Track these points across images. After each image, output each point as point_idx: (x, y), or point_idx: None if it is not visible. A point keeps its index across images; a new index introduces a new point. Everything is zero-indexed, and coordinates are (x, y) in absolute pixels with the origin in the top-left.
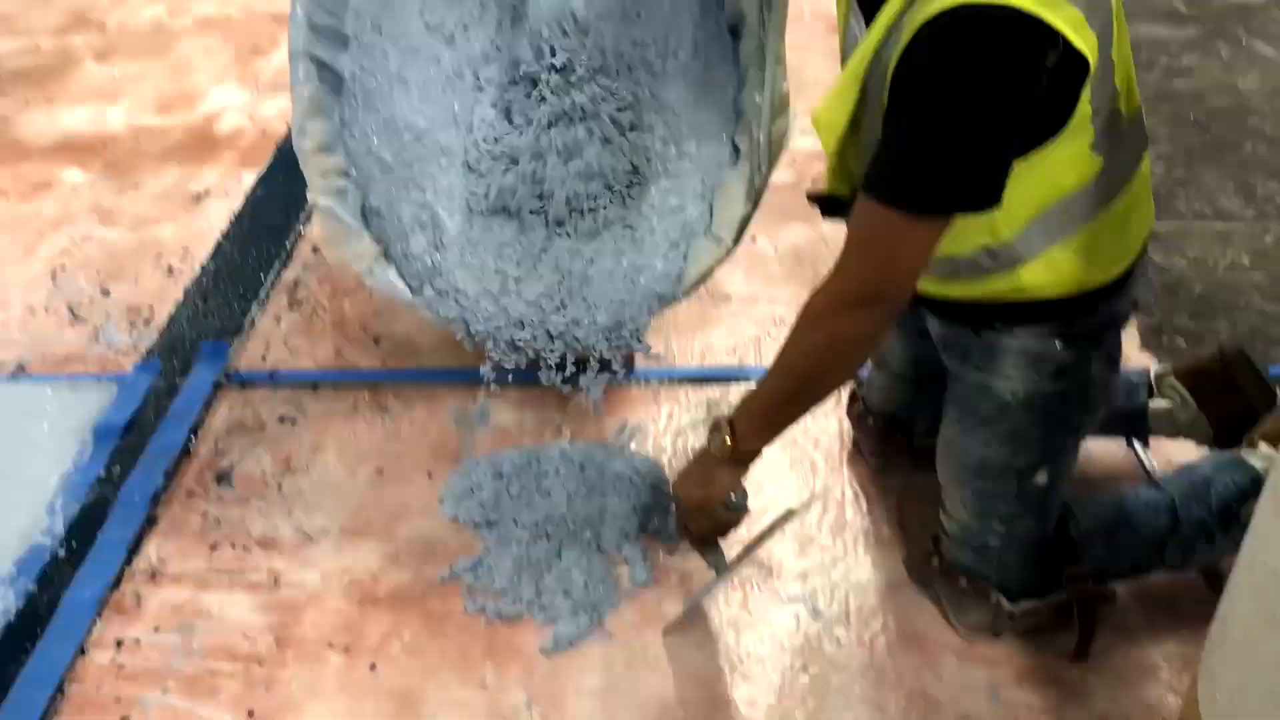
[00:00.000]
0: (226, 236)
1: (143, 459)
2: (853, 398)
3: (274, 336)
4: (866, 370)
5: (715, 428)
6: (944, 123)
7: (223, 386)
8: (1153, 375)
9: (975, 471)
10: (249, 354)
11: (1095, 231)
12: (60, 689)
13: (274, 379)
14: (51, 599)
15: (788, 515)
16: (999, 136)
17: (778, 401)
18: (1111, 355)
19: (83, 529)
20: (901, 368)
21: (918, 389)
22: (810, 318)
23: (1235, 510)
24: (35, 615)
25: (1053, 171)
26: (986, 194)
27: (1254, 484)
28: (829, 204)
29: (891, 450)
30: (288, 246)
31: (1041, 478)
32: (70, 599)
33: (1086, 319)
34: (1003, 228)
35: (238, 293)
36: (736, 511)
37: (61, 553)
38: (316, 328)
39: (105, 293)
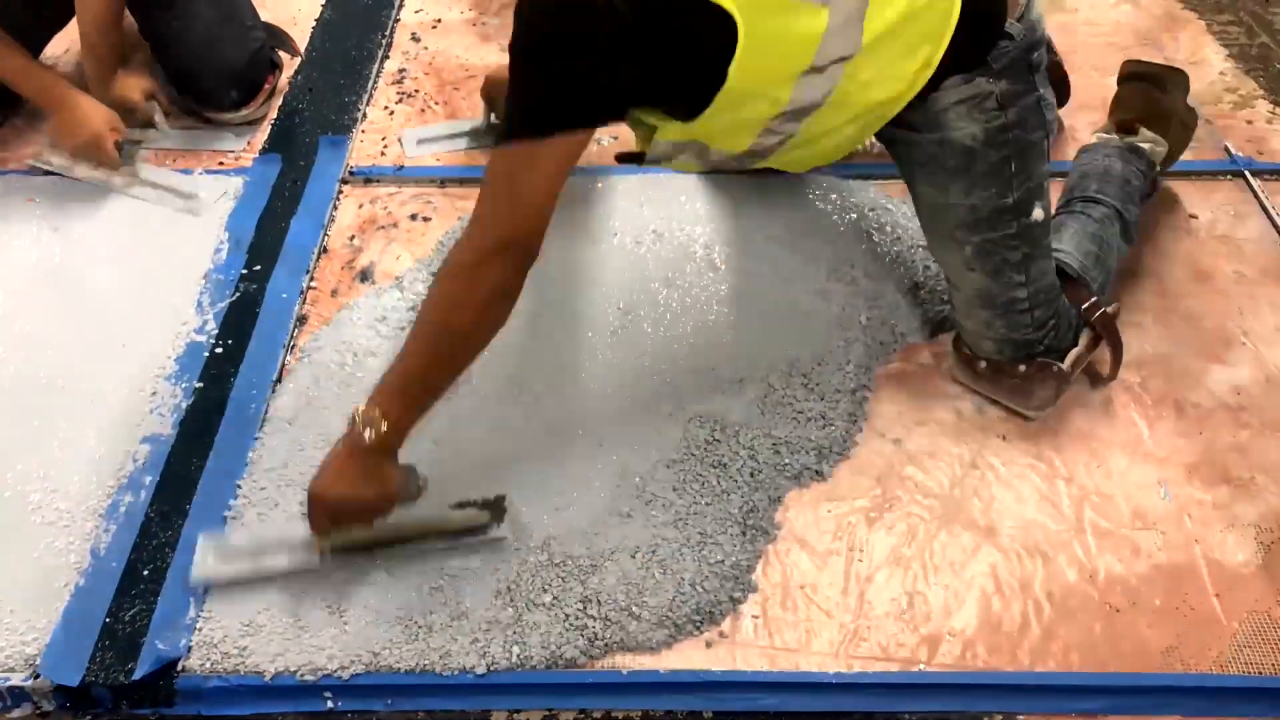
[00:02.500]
0: (321, 23)
1: (283, 256)
2: None
3: (389, 130)
4: None
5: (356, 419)
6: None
7: (348, 182)
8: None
9: (971, 225)
10: (365, 148)
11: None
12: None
13: (400, 174)
14: (220, 396)
15: (483, 528)
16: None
17: (426, 369)
18: (1031, 64)
19: (235, 327)
20: None
21: None
22: (449, 272)
23: (1143, 192)
24: (206, 412)
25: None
26: (573, 112)
27: (1150, 166)
28: (636, 160)
29: None
30: (386, 34)
31: (1038, 213)
32: (237, 395)
33: (991, 51)
34: (779, 92)
35: (343, 84)
36: (417, 495)
37: (219, 350)
38: (431, 121)
39: None
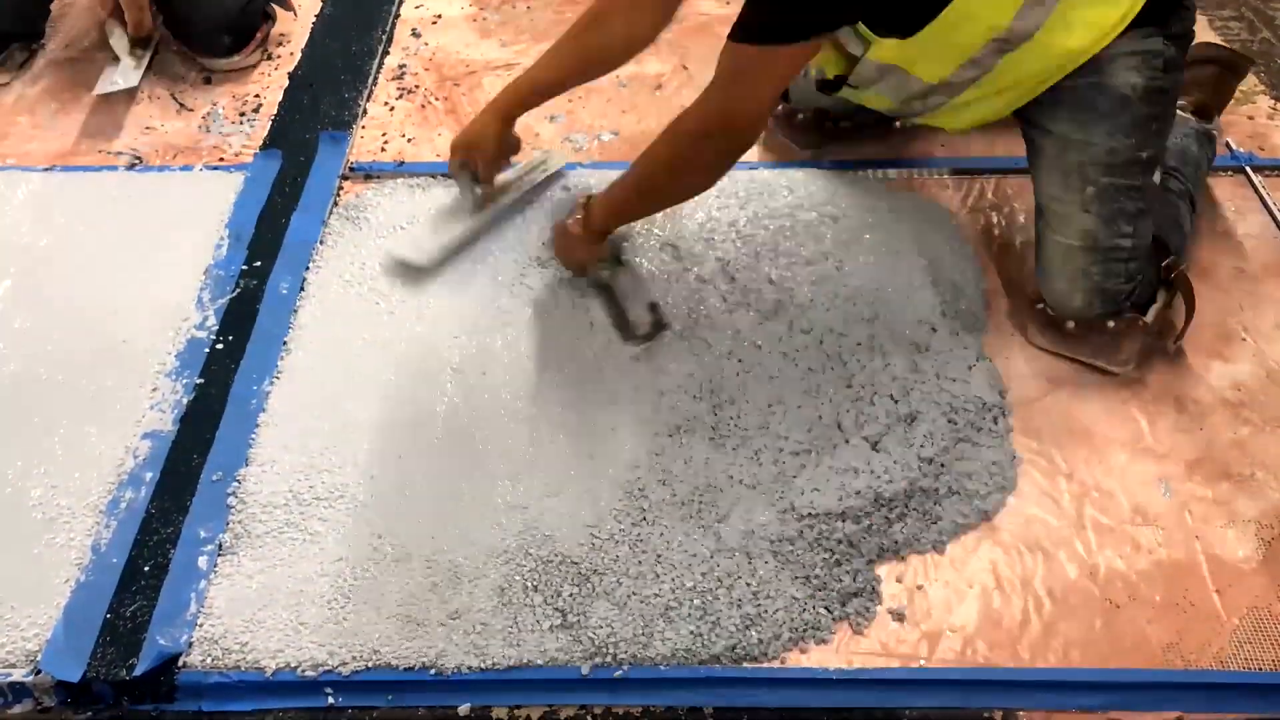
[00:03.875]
0: (321, 19)
1: (283, 252)
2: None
3: (389, 126)
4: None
5: (578, 206)
6: None
7: (348, 178)
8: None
9: (1104, 167)
10: (366, 144)
11: None
12: (238, 481)
13: (402, 169)
14: (220, 392)
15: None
16: None
17: (631, 198)
18: (1188, 45)
19: (235, 323)
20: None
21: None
22: (673, 136)
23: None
24: (207, 408)
25: None
26: (809, 23)
27: (1213, 154)
28: (835, 88)
29: (823, 138)
30: (387, 29)
31: (1156, 176)
32: (238, 391)
33: (1170, 16)
34: (1000, 17)
35: (344, 79)
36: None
37: (220, 346)
38: (431, 117)
39: (207, 80)
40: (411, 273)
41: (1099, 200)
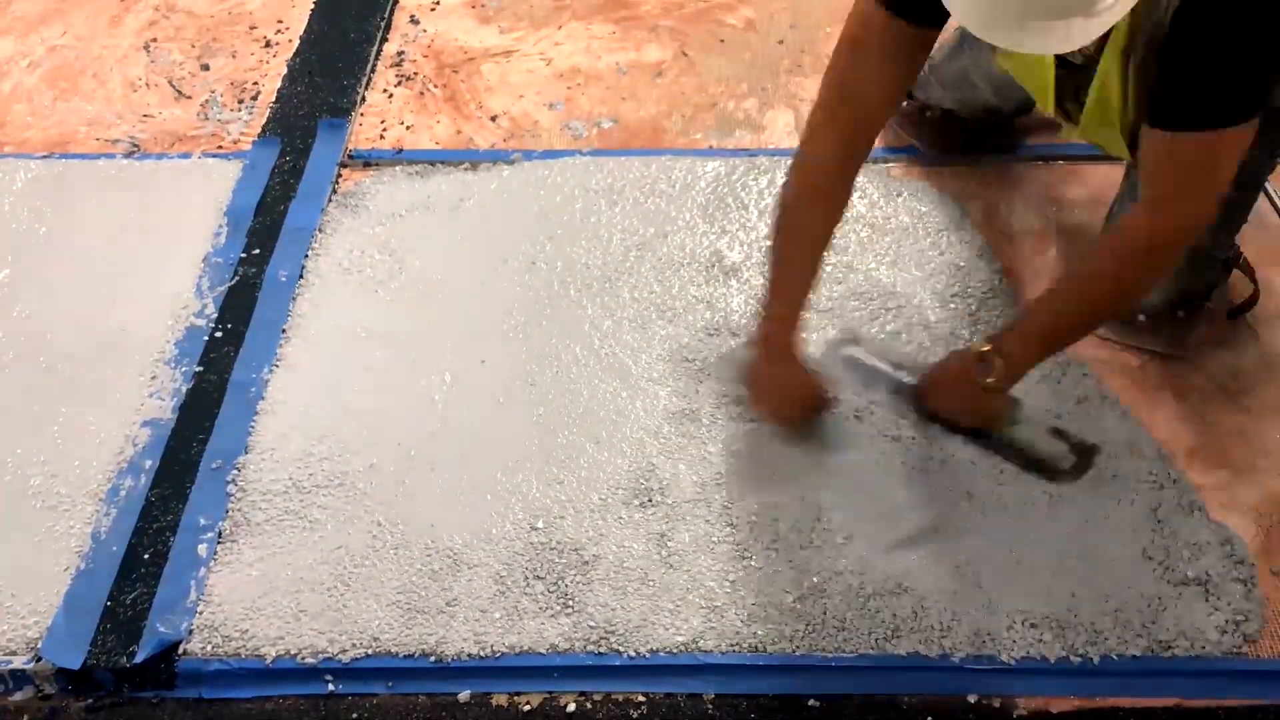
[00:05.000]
0: (319, 6)
1: (282, 239)
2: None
3: (388, 113)
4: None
5: (982, 358)
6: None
7: (347, 165)
8: None
9: (1239, 185)
10: (364, 131)
11: None
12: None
13: (400, 157)
14: (219, 380)
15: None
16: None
17: (1066, 331)
18: None
19: (234, 311)
20: (994, 93)
21: (1000, 104)
22: (1120, 255)
23: None
24: (206, 396)
25: None
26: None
27: None
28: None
29: (949, 141)
30: (385, 16)
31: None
32: (237, 379)
33: None
34: None
35: (342, 66)
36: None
37: (219, 334)
38: (430, 105)
39: (205, 67)
40: None
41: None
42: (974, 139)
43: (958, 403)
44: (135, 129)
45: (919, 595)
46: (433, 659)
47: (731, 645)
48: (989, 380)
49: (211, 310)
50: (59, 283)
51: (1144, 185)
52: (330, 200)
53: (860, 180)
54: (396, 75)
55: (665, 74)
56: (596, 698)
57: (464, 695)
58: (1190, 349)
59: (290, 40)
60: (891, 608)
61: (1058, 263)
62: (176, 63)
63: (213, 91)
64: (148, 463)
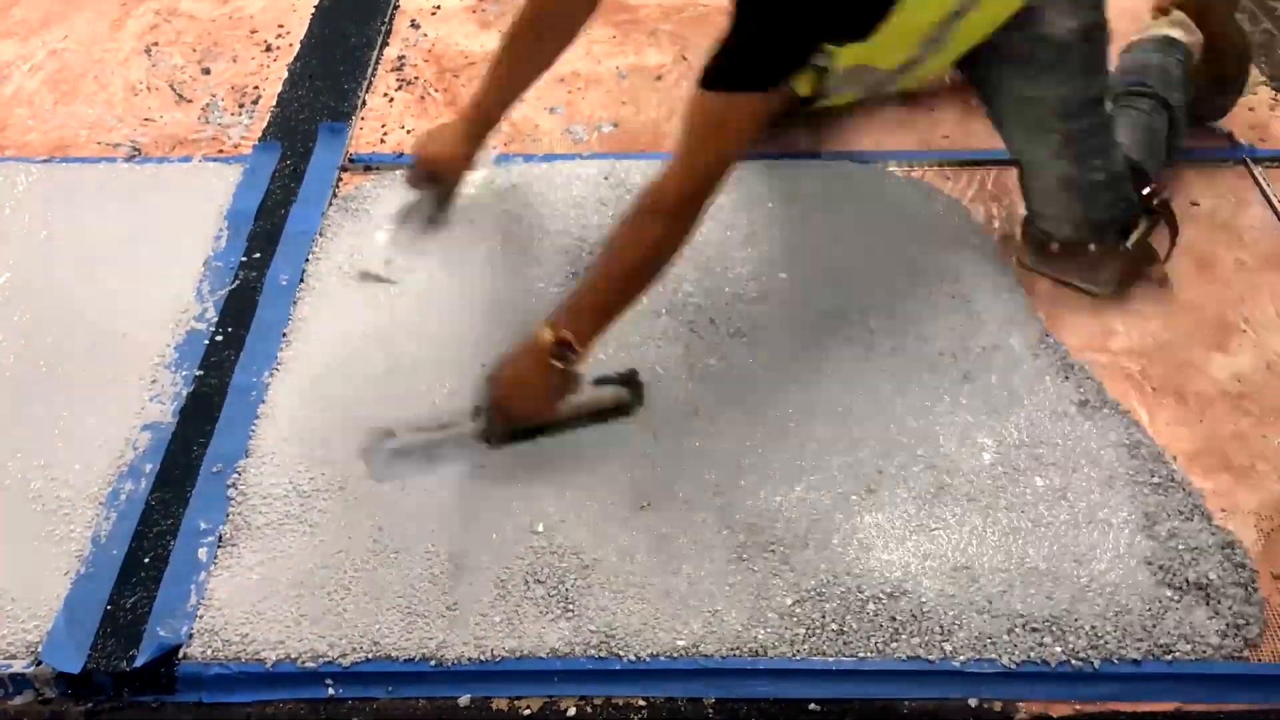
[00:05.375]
0: (320, 10)
1: (282, 243)
2: None
3: (389, 117)
4: None
5: (538, 338)
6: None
7: (348, 169)
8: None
9: (1061, 114)
10: (365, 135)
11: None
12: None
13: (401, 160)
14: (220, 383)
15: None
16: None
17: (610, 297)
18: None
19: (234, 314)
20: None
21: None
22: (651, 212)
23: (1186, 79)
24: (207, 400)
25: None
26: (773, 74)
27: (1186, 55)
28: (804, 102)
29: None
30: (386, 20)
31: (1109, 105)
32: (238, 383)
33: None
34: None
35: (343, 70)
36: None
37: (219, 338)
38: (431, 109)
39: (206, 71)
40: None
41: (1066, 146)
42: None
43: (535, 397)
44: (136, 133)
45: (918, 599)
46: (433, 663)
47: (732, 649)
48: (571, 358)
49: (212, 314)
50: (60, 286)
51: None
52: (331, 204)
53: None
54: (397, 79)
55: (665, 78)
56: (597, 702)
57: (464, 699)
58: (1105, 287)
59: (291, 44)
60: (891, 611)
61: None
62: (177, 66)
63: (214, 95)
64: (148, 466)
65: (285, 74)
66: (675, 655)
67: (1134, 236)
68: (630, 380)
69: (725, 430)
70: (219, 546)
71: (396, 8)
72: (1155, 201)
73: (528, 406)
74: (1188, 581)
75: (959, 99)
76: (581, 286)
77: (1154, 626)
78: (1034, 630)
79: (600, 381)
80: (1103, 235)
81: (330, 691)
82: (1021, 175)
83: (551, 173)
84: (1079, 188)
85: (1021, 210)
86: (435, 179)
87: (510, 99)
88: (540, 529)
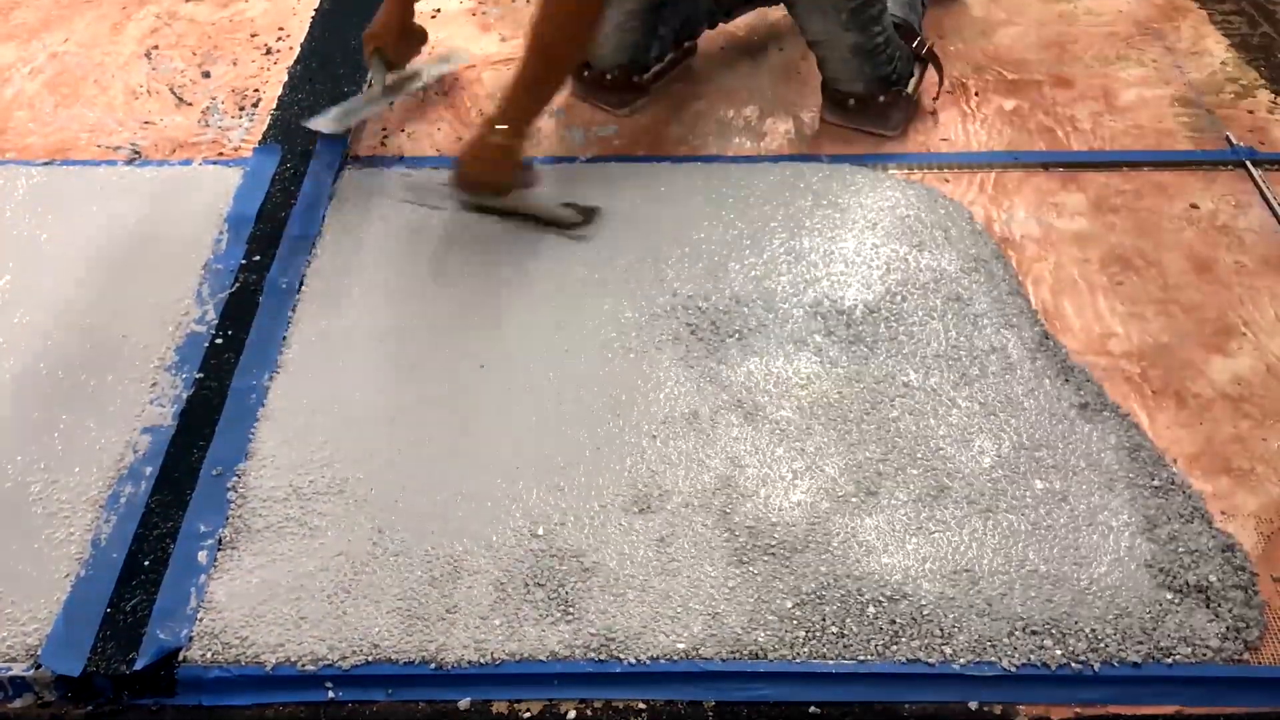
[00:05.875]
0: (320, 13)
1: (282, 246)
2: (579, 74)
3: (389, 120)
4: None
5: (490, 120)
6: None
7: (347, 171)
8: None
9: None
10: (365, 139)
11: None
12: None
13: (401, 163)
14: (220, 386)
15: (571, 222)
16: None
17: (536, 81)
18: None
19: (234, 317)
20: (635, 4)
21: (653, 20)
22: (558, 16)
23: None
24: (206, 403)
25: None
26: None
27: None
28: None
29: (633, 97)
30: None
31: None
32: (237, 385)
33: None
34: None
35: (343, 74)
36: (533, 183)
37: (219, 340)
38: (431, 112)
39: (206, 74)
40: (325, 136)
41: (852, 19)
42: (648, 88)
43: (483, 166)
44: (136, 136)
45: (918, 602)
46: (433, 666)
47: (732, 652)
48: (500, 129)
49: (212, 317)
50: (60, 289)
51: None
52: (331, 207)
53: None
54: None
55: (665, 80)
56: (597, 705)
57: (464, 703)
58: (895, 129)
59: (291, 47)
60: (891, 614)
61: None
62: (178, 70)
63: (214, 98)
64: (148, 469)
65: (285, 77)
66: (675, 658)
67: (911, 84)
68: (588, 210)
69: (724, 433)
70: (219, 549)
71: None
72: (923, 50)
73: (477, 170)
74: (1188, 584)
75: (959, 101)
76: (515, 73)
77: (1154, 629)
78: (1034, 633)
79: (567, 205)
80: (888, 87)
81: (330, 694)
82: (818, 51)
83: (551, 175)
84: (865, 51)
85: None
86: (381, 54)
87: None
88: (540, 532)
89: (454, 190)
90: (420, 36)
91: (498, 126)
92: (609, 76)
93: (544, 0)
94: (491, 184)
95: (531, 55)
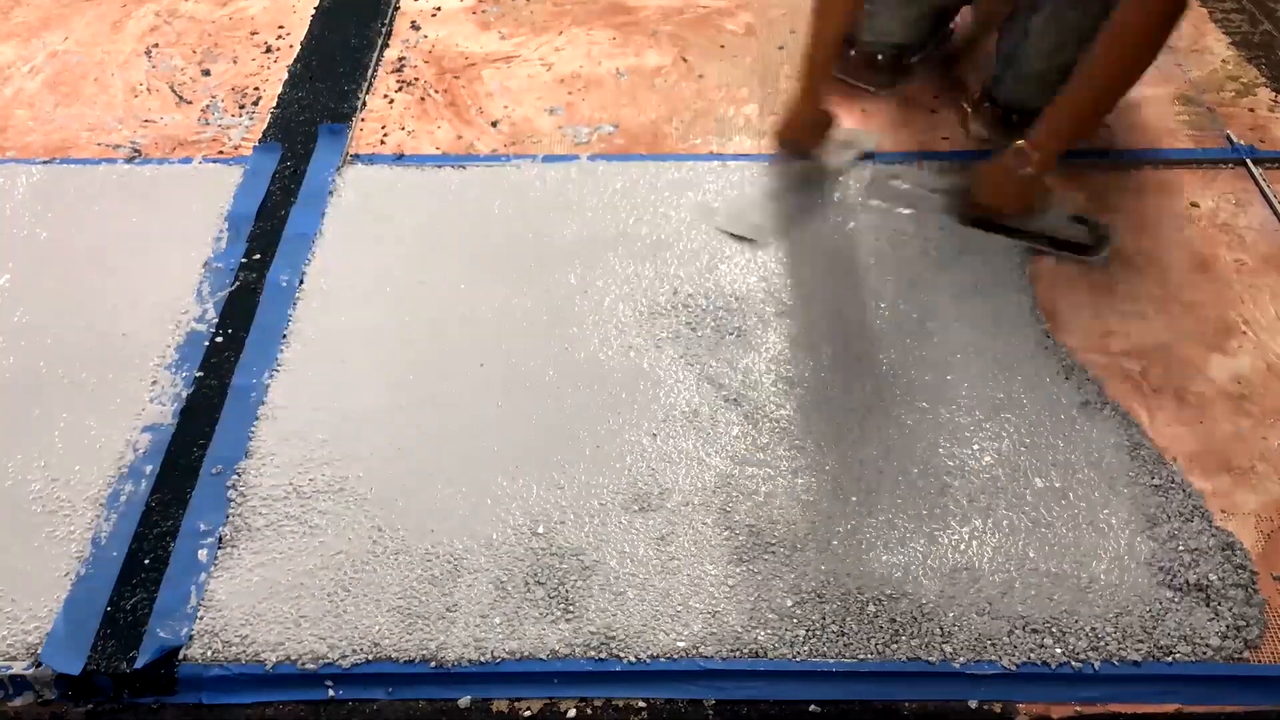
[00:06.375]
0: (320, 11)
1: (282, 244)
2: (844, 53)
3: (389, 119)
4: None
5: (1018, 153)
6: None
7: (347, 170)
8: None
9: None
10: (365, 136)
11: None
12: (238, 474)
13: (401, 161)
14: (220, 385)
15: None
16: None
17: (1087, 114)
18: None
19: (235, 316)
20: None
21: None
22: (1125, 32)
23: None
24: (206, 401)
25: None
26: None
27: None
28: None
29: (900, 78)
30: (386, 22)
31: None
32: (237, 384)
33: None
34: None
35: (343, 72)
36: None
37: (219, 339)
38: (431, 110)
39: (206, 72)
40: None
41: (1057, 26)
42: (914, 70)
43: (1001, 193)
44: (136, 134)
45: (918, 600)
46: (433, 664)
47: (732, 651)
48: (1027, 170)
49: (212, 315)
50: (60, 287)
51: None
52: (331, 205)
53: None
54: (397, 81)
55: (665, 79)
56: (597, 703)
57: (464, 701)
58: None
59: (291, 46)
60: (891, 612)
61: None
62: (178, 68)
63: (214, 97)
64: (148, 468)
65: (285, 75)
66: (675, 656)
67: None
68: (1099, 230)
69: (725, 431)
70: (219, 548)
71: (397, 9)
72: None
73: (987, 195)
74: (1188, 583)
75: (959, 100)
76: (1057, 105)
77: (1154, 628)
78: (1034, 631)
79: (1076, 218)
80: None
81: (330, 693)
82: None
83: (552, 173)
84: (1050, 65)
85: None
86: (795, 146)
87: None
88: (540, 530)
89: (960, 207)
90: (826, 122)
91: (1033, 155)
92: (880, 57)
93: (1121, 23)
94: (1010, 210)
95: (1095, 82)
